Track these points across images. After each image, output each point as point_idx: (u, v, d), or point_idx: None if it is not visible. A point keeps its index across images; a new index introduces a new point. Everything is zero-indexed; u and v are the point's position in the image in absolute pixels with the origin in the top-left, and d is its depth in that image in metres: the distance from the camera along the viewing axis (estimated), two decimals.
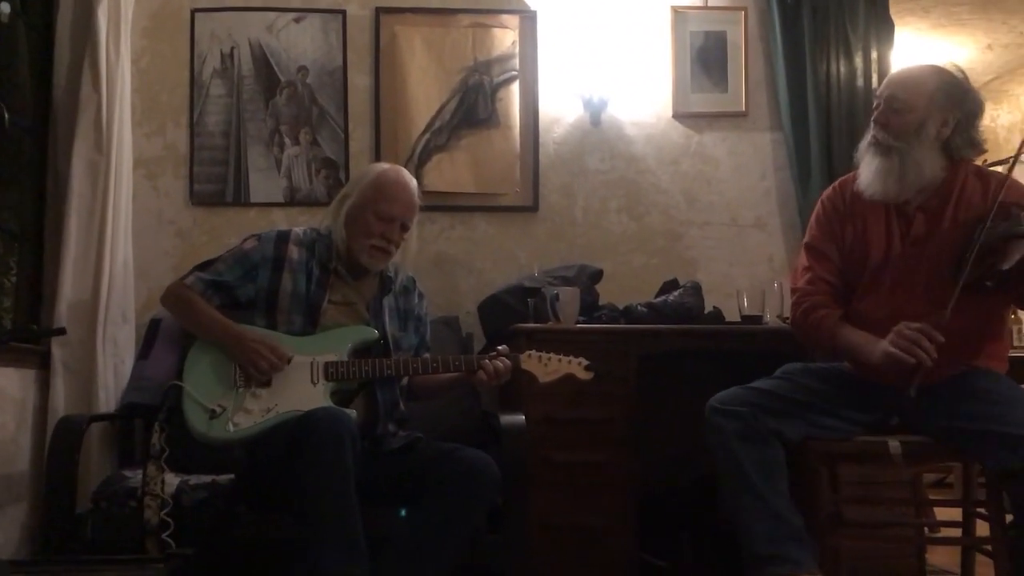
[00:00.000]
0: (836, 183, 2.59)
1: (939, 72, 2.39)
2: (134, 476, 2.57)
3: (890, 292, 2.35)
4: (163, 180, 3.48)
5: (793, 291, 2.55)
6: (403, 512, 2.25)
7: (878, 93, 2.44)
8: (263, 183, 3.50)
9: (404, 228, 2.47)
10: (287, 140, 3.52)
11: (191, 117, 3.49)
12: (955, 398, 2.23)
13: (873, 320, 2.33)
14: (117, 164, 3.08)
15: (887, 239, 2.40)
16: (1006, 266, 2.14)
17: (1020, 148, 2.24)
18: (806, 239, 2.58)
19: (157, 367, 3.01)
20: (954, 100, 2.35)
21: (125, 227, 3.16)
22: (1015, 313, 5.48)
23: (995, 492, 2.26)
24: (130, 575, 1.89)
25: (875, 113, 2.41)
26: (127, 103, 3.21)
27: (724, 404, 2.31)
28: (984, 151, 2.44)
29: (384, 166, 2.58)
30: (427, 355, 2.58)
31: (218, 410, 2.28)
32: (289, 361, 2.30)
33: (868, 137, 2.42)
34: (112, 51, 3.09)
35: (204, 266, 2.45)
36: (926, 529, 3.11)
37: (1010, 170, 2.34)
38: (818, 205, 2.58)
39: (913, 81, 2.39)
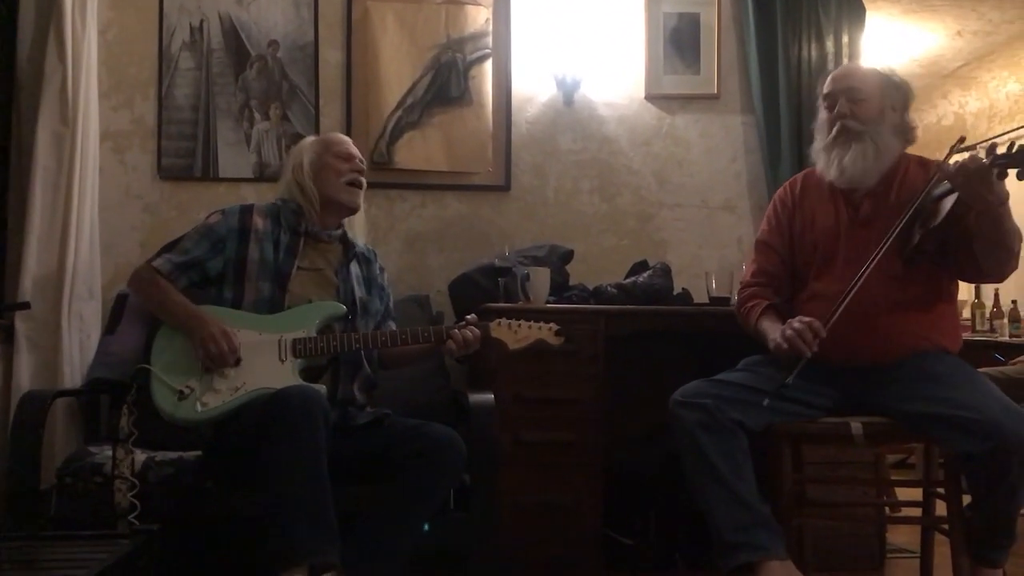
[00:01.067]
0: (787, 183, 2.71)
1: (873, 67, 2.57)
2: (99, 452, 2.55)
3: (842, 270, 2.42)
4: (130, 154, 3.44)
5: (740, 285, 2.67)
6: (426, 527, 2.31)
7: (828, 92, 2.54)
8: (232, 158, 3.46)
9: (362, 163, 2.59)
10: (257, 115, 3.48)
11: (159, 90, 3.44)
12: (910, 381, 2.28)
13: (829, 296, 2.39)
14: (83, 137, 3.04)
15: (836, 223, 2.50)
16: (937, 222, 2.24)
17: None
18: (757, 236, 2.71)
19: (124, 342, 2.98)
20: (894, 86, 2.51)
21: (91, 201, 3.13)
22: (977, 297, 5.60)
23: (953, 473, 2.31)
24: (95, 551, 1.87)
25: (836, 109, 2.49)
26: (93, 75, 3.17)
27: (687, 397, 2.34)
28: (913, 140, 2.55)
29: (314, 135, 2.78)
30: (392, 324, 2.61)
31: (186, 391, 2.27)
32: (238, 363, 2.29)
33: (832, 133, 2.49)
34: (78, 22, 3.04)
35: (171, 246, 2.44)
36: (887, 509, 3.17)
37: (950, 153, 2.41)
38: (770, 205, 2.71)
39: (862, 74, 2.55)
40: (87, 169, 3.08)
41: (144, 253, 3.30)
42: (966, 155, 2.17)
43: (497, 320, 2.40)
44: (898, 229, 2.28)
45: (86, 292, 3.04)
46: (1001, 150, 2.09)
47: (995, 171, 2.07)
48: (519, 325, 2.39)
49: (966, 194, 2.15)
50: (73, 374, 2.93)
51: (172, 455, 2.50)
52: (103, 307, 3.13)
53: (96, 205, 3.17)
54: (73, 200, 2.98)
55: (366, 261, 2.61)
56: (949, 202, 2.21)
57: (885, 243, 2.29)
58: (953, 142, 2.47)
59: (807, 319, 2.29)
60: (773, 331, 2.39)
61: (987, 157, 2.08)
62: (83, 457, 2.54)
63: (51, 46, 2.97)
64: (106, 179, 3.32)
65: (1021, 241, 2.28)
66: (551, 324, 2.40)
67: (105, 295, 3.16)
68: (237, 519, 2.34)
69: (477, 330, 2.37)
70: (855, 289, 2.28)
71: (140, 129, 3.44)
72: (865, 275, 2.28)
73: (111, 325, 3.03)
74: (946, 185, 2.21)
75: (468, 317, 2.42)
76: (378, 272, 2.64)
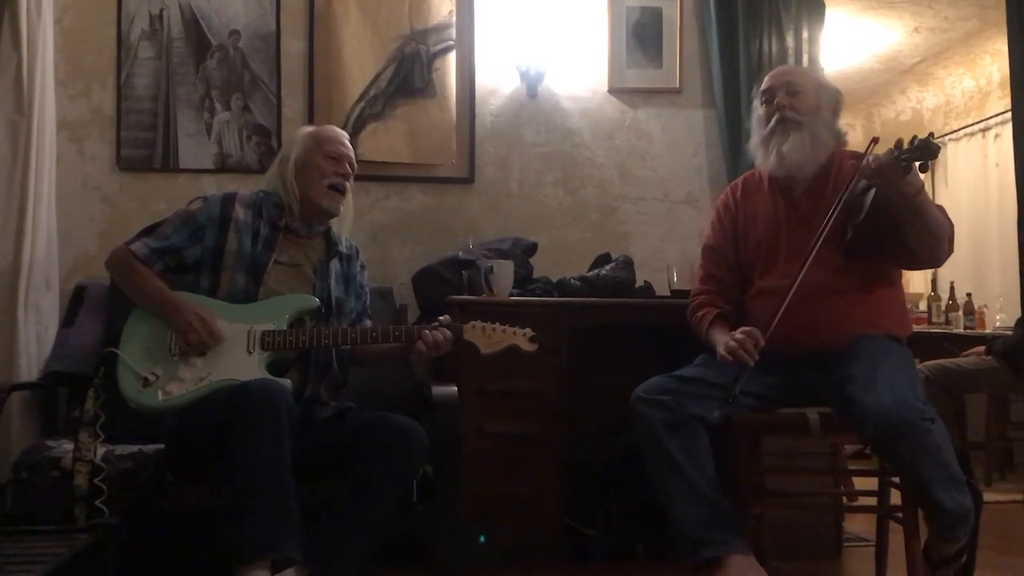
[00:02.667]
0: (728, 187, 2.79)
1: (811, 68, 2.74)
2: (57, 446, 2.52)
3: (785, 266, 2.48)
4: (88, 144, 3.39)
5: (692, 293, 2.73)
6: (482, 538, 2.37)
7: (766, 87, 2.61)
8: (193, 149, 3.43)
9: (351, 167, 2.53)
10: (218, 105, 3.45)
11: (118, 79, 3.39)
12: (840, 366, 2.30)
13: (775, 291, 2.45)
14: (39, 126, 3.00)
15: (776, 221, 2.57)
16: (862, 216, 2.33)
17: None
18: (704, 242, 2.77)
19: (82, 335, 2.95)
20: (828, 88, 2.62)
21: (48, 192, 3.08)
22: (934, 291, 5.69)
23: None
24: (52, 546, 1.85)
25: (775, 101, 2.56)
26: (49, 63, 3.12)
27: (649, 393, 2.37)
28: (844, 144, 2.64)
29: (312, 126, 2.66)
30: (368, 323, 2.59)
31: (151, 378, 2.25)
32: (221, 340, 2.27)
33: (770, 124, 2.55)
34: (33, 8, 2.99)
35: (150, 230, 2.42)
36: (844, 498, 3.22)
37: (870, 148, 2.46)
38: (713, 211, 2.77)
39: (798, 71, 2.71)
40: (44, 159, 3.04)
41: (103, 244, 3.27)
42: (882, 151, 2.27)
43: (471, 323, 2.37)
44: (829, 223, 2.35)
45: (43, 284, 3.00)
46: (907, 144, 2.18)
47: (901, 164, 2.16)
48: (493, 329, 2.36)
49: (881, 187, 2.24)
50: (30, 367, 2.90)
51: (131, 448, 2.48)
52: (61, 299, 3.09)
53: (53, 196, 3.13)
54: (29, 190, 2.94)
55: (347, 259, 2.58)
56: (870, 196, 2.31)
57: (817, 241, 2.35)
58: (911, 136, 2.53)
59: (747, 329, 2.35)
60: (720, 342, 2.43)
61: (895, 151, 2.17)
62: (40, 451, 2.51)
63: (5, 33, 2.92)
64: (63, 169, 3.27)
65: (951, 229, 2.35)
66: (526, 330, 2.37)
67: (63, 287, 3.12)
68: (198, 513, 2.32)
69: (449, 332, 2.35)
70: (795, 287, 2.33)
71: (98, 119, 3.39)
72: (804, 271, 2.34)
73: (69, 317, 3.00)
74: (865, 180, 2.30)
75: (441, 318, 2.39)
76: (358, 270, 2.61)
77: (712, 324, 2.56)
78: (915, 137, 2.15)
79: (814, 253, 2.34)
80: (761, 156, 2.59)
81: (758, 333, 2.33)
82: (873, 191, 2.29)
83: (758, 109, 2.64)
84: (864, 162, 2.28)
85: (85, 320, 2.98)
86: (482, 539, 2.27)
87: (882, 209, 2.29)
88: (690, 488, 2.27)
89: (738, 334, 2.35)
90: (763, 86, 2.63)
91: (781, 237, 2.52)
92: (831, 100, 2.60)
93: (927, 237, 2.32)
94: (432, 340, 2.33)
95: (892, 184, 2.20)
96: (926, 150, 2.12)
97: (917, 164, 2.17)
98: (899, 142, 2.17)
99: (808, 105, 2.55)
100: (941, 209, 2.36)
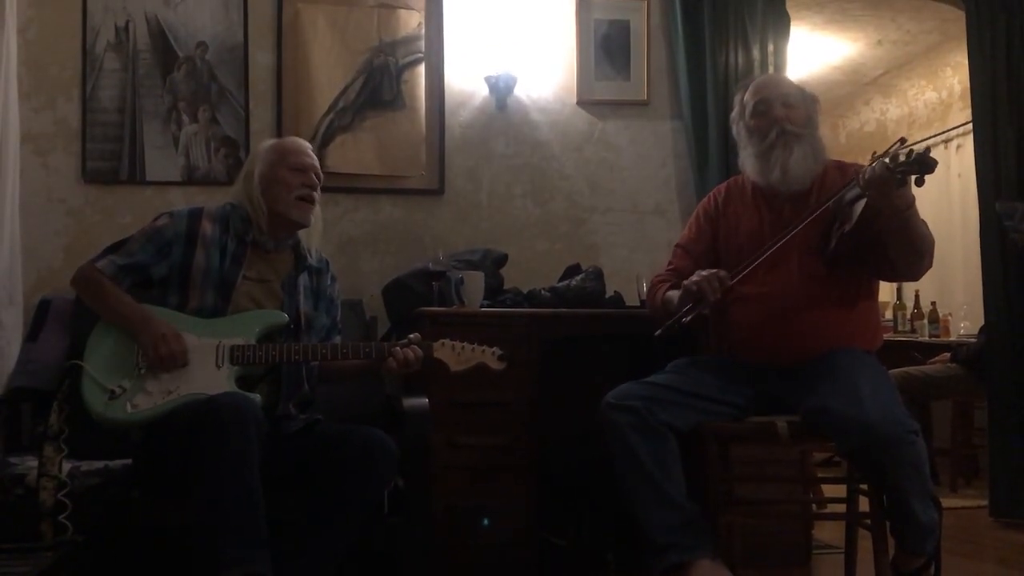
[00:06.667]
0: (711, 192, 2.79)
1: (787, 77, 2.74)
2: (20, 463, 2.48)
3: (766, 273, 2.47)
4: (53, 156, 3.35)
5: (651, 281, 2.74)
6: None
7: (760, 99, 2.58)
8: (160, 161, 3.40)
9: (317, 177, 2.50)
10: (185, 117, 3.42)
11: (83, 91, 3.36)
12: (815, 377, 2.32)
13: (754, 297, 2.47)
14: (3, 139, 2.96)
15: (759, 227, 2.57)
16: (850, 226, 2.31)
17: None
18: (678, 240, 2.78)
19: (46, 350, 2.91)
20: (811, 97, 2.63)
21: (12, 205, 3.04)
22: (899, 299, 5.76)
23: None
24: (17, 564, 1.82)
25: (771, 114, 2.54)
26: (13, 75, 3.09)
27: (618, 399, 2.37)
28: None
29: (273, 139, 2.64)
30: (338, 338, 2.57)
31: (117, 391, 2.22)
32: (185, 365, 2.25)
33: (771, 137, 2.52)
34: None
35: (116, 247, 2.38)
36: (813, 505, 3.24)
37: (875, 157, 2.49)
38: (694, 214, 2.78)
39: (785, 81, 2.68)
40: (7, 172, 3.00)
41: (68, 258, 3.23)
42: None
43: (441, 341, 2.37)
44: (806, 222, 2.37)
45: (6, 298, 2.96)
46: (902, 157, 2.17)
47: (897, 177, 2.15)
48: (463, 347, 2.36)
49: (874, 199, 2.23)
50: None
51: (98, 464, 2.44)
52: (25, 314, 3.05)
53: (16, 209, 3.08)
54: None
55: (317, 272, 2.56)
56: (860, 206, 2.30)
57: (798, 227, 2.37)
58: (873, 148, 2.56)
59: (714, 271, 2.37)
60: (680, 290, 2.46)
61: (890, 163, 2.16)
62: (3, 468, 2.46)
63: None
64: (27, 182, 3.23)
65: (932, 244, 2.37)
66: (494, 348, 2.37)
67: (27, 301, 3.08)
68: (165, 529, 2.30)
69: (419, 350, 2.34)
70: (771, 251, 2.37)
71: (63, 131, 3.36)
72: (781, 244, 2.37)
73: (33, 332, 2.96)
74: (857, 189, 2.29)
75: (411, 336, 2.38)
76: (328, 283, 2.59)
77: (668, 290, 2.58)
78: (912, 151, 2.13)
79: (785, 242, 2.36)
80: (759, 167, 2.55)
81: (725, 274, 2.35)
82: (863, 201, 2.28)
83: (746, 120, 2.60)
84: (862, 172, 2.25)
85: (49, 335, 2.95)
86: (486, 522, 2.27)
87: (869, 219, 2.29)
88: (658, 493, 2.28)
89: (704, 271, 2.37)
90: (753, 97, 2.60)
91: (762, 244, 2.49)
92: (815, 109, 2.61)
93: (910, 251, 2.34)
94: (403, 357, 2.32)
95: (886, 196, 2.20)
96: (923, 164, 2.10)
97: (913, 178, 2.15)
98: (895, 155, 2.15)
99: (802, 117, 2.55)
100: (923, 223, 2.35)
